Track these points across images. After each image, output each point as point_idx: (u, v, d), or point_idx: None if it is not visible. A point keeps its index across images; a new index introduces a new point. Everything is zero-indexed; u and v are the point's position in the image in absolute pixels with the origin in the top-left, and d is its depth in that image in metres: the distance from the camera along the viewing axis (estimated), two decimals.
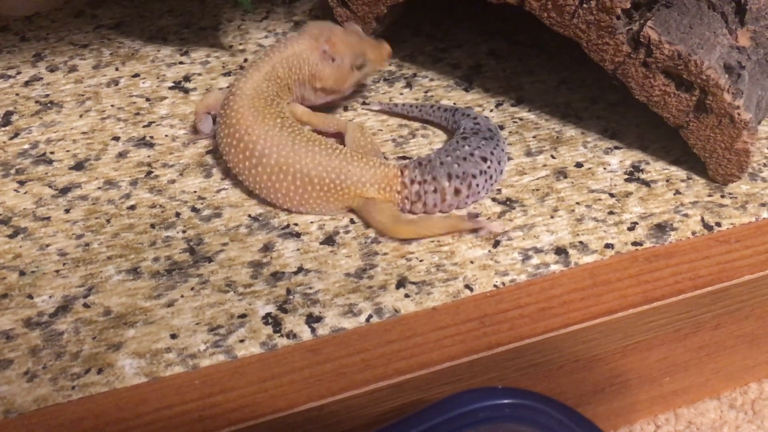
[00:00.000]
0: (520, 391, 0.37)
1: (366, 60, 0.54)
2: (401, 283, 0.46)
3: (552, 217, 0.51)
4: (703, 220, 0.50)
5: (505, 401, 0.37)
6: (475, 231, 0.49)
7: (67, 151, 0.55)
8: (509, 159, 0.55)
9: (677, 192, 0.53)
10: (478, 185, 0.50)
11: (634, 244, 0.49)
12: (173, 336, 0.43)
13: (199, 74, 0.63)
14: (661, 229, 0.50)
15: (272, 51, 0.53)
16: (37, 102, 0.60)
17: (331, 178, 0.48)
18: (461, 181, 0.49)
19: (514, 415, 0.36)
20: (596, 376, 0.51)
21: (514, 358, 0.44)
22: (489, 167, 0.50)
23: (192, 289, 0.46)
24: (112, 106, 0.60)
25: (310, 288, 0.46)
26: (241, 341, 0.43)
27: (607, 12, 0.49)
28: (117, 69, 0.64)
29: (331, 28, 0.54)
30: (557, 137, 0.57)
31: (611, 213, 0.51)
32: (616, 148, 0.56)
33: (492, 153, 0.51)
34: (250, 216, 0.51)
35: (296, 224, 0.50)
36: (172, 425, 0.39)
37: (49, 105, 0.60)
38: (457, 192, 0.49)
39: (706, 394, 0.58)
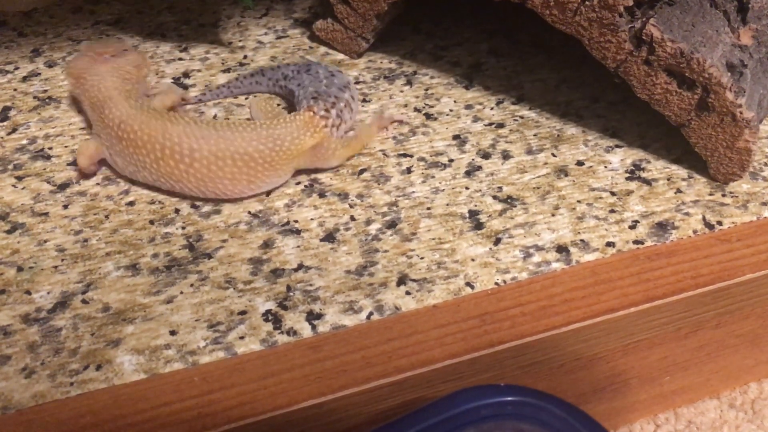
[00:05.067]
0: (522, 389, 0.37)
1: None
2: (402, 281, 0.46)
3: (553, 215, 0.50)
4: (704, 218, 0.50)
5: (508, 399, 0.37)
6: (390, 123, 0.57)
7: (66, 146, 0.55)
8: (510, 157, 0.55)
9: (678, 191, 0.52)
10: (352, 90, 0.56)
11: (636, 242, 0.49)
12: (172, 332, 0.43)
13: (199, 70, 0.63)
14: (663, 227, 0.50)
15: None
16: (35, 97, 0.60)
17: (270, 147, 0.49)
18: (345, 90, 0.55)
19: (517, 413, 0.36)
20: (597, 375, 0.50)
21: (515, 356, 0.44)
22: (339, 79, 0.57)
23: (191, 285, 0.45)
24: None
25: (311, 285, 0.45)
26: (241, 338, 0.42)
27: (610, 9, 0.49)
28: None
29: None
30: (558, 135, 0.57)
31: (612, 211, 0.51)
32: (617, 146, 0.56)
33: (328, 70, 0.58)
34: (249, 212, 0.50)
35: (296, 221, 0.50)
36: (171, 422, 0.39)
37: (47, 101, 0.59)
38: (352, 99, 0.56)
39: (706, 393, 0.58)
